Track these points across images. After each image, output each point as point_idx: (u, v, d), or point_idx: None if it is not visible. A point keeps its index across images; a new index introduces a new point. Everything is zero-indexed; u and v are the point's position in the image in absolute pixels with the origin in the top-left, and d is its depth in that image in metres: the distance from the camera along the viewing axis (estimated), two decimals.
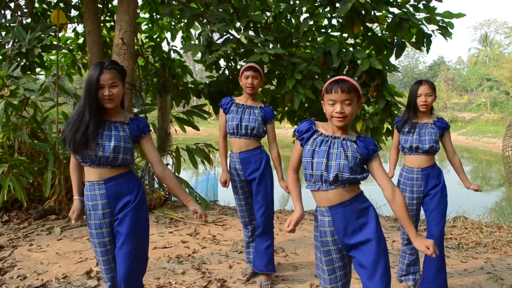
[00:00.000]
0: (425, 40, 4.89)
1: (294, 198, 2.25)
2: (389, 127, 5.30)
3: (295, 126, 5.94)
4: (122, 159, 2.33)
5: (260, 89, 5.90)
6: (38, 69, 6.02)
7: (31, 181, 5.56)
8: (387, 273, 2.07)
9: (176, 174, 6.17)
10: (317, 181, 2.08)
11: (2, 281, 3.60)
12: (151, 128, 5.98)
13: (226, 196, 7.88)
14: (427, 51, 5.08)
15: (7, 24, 5.50)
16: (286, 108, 5.80)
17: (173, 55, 7.12)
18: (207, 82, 5.98)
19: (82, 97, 2.30)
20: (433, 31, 4.79)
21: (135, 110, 6.53)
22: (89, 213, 2.41)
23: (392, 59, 5.40)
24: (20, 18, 5.52)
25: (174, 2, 5.09)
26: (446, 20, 4.68)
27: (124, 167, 2.39)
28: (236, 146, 3.45)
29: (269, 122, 3.44)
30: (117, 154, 2.31)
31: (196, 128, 6.53)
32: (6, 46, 5.32)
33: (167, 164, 6.48)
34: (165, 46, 7.43)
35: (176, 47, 7.16)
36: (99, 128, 2.30)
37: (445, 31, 4.69)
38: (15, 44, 4.97)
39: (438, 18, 4.67)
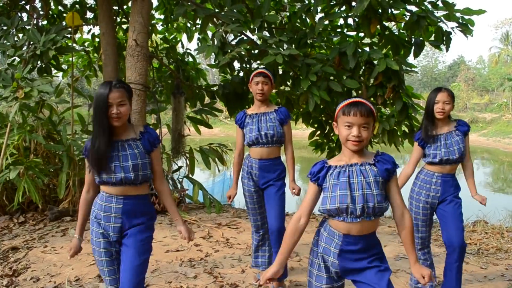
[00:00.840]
0: (444, 38, 4.76)
1: (280, 251, 2.09)
2: (406, 130, 5.18)
3: (311, 128, 5.90)
4: (142, 175, 2.37)
5: (275, 90, 5.86)
6: (54, 71, 6.06)
7: (46, 182, 5.59)
8: None
9: (190, 175, 6.14)
10: (341, 213, 1.96)
11: (16, 283, 3.62)
12: (166, 130, 6.04)
13: (241, 199, 7.83)
14: (447, 50, 4.95)
15: (23, 26, 5.55)
16: (301, 110, 5.72)
17: (187, 57, 7.11)
18: (221, 83, 5.95)
19: (93, 117, 2.33)
20: (452, 28, 4.67)
21: (148, 109, 6.53)
22: (98, 222, 2.37)
23: (411, 59, 5.31)
24: (35, 21, 5.55)
25: (188, 3, 5.06)
26: (466, 17, 4.55)
27: (145, 185, 2.43)
28: (256, 153, 3.40)
29: (285, 123, 3.38)
30: (138, 172, 2.34)
31: (209, 127, 6.51)
32: (23, 49, 5.37)
33: (180, 167, 6.47)
34: (179, 49, 7.40)
35: (191, 50, 7.16)
36: (113, 150, 2.33)
37: (465, 28, 4.55)
38: (30, 46, 4.99)
39: (457, 15, 4.54)
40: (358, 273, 2.02)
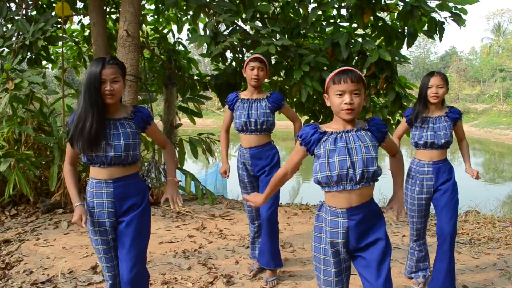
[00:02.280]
0: (437, 28, 4.76)
1: (266, 190, 2.28)
2: (400, 119, 5.18)
3: (305, 117, 5.88)
4: (132, 156, 2.32)
5: (267, 80, 5.83)
6: (44, 62, 5.99)
7: (38, 175, 5.54)
8: (390, 274, 2.00)
9: (179, 166, 6.12)
10: (340, 181, 1.93)
11: (8, 276, 3.58)
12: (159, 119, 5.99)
13: (234, 190, 7.83)
14: (440, 39, 4.96)
15: (12, 17, 5.46)
16: (295, 100, 5.71)
17: (178, 47, 7.05)
18: (214, 74, 5.91)
19: (82, 94, 2.23)
20: (445, 18, 4.66)
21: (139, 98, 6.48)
22: (93, 210, 2.34)
23: (403, 49, 5.31)
24: (24, 11, 5.47)
25: None
26: (459, 6, 4.54)
27: (134, 166, 2.38)
28: (246, 142, 3.37)
29: (282, 106, 3.35)
30: (128, 152, 2.29)
31: (199, 116, 6.47)
32: (12, 39, 5.29)
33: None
34: (171, 39, 7.32)
35: (182, 39, 7.10)
36: (105, 128, 2.27)
37: (458, 18, 4.56)
38: (19, 36, 4.92)
39: (450, 4, 4.54)
40: (362, 251, 2.02)
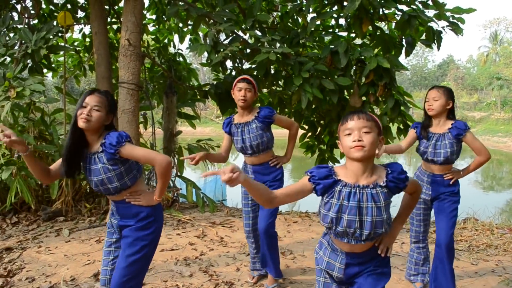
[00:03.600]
0: (435, 37, 4.82)
1: (252, 183, 1.84)
2: (401, 126, 5.22)
3: (304, 125, 5.91)
4: (112, 188, 2.31)
5: (266, 90, 5.88)
6: (45, 71, 6.03)
7: (39, 183, 5.56)
8: None
9: (179, 174, 6.15)
10: (346, 235, 1.90)
11: (11, 283, 3.61)
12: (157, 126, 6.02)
13: (234, 197, 7.85)
14: (438, 48, 5.02)
15: (14, 26, 5.52)
16: (293, 109, 5.75)
17: (178, 58, 7.11)
18: (214, 83, 5.96)
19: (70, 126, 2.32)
20: (443, 27, 4.73)
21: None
22: (109, 221, 2.55)
23: (402, 58, 5.36)
24: (26, 20, 5.53)
25: (180, 2, 5.07)
26: (456, 15, 4.61)
27: (125, 192, 2.36)
28: (248, 160, 3.44)
29: (273, 120, 3.29)
30: (106, 185, 2.31)
31: (195, 118, 6.53)
32: (14, 48, 5.34)
33: (172, 166, 6.47)
34: (172, 50, 7.38)
35: (182, 50, 7.12)
36: (85, 162, 2.33)
37: (456, 27, 4.62)
38: (22, 45, 4.97)
39: (448, 14, 4.60)
40: (359, 277, 2.01)
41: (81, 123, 2.22)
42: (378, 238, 1.96)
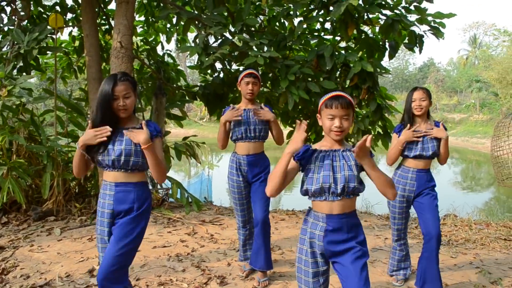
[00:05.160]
0: (417, 41, 5.02)
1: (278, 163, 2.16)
2: (380, 130, 5.42)
3: (289, 128, 6.08)
4: (133, 161, 2.46)
5: None
6: (33, 72, 6.07)
7: (29, 183, 5.61)
8: (367, 277, 2.17)
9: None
10: (323, 192, 2.16)
11: (5, 280, 3.67)
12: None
13: (222, 197, 7.98)
14: (420, 52, 5.21)
15: (3, 27, 5.56)
16: (280, 110, 5.91)
17: (167, 58, 7.21)
18: (202, 84, 6.08)
19: (96, 108, 2.44)
20: (425, 31, 4.93)
21: None
22: (98, 209, 2.58)
23: (384, 61, 5.53)
24: (18, 21, 5.58)
25: (170, 6, 5.19)
26: (437, 20, 4.82)
27: (138, 173, 2.53)
28: (242, 149, 3.59)
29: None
30: (128, 157, 2.44)
31: (183, 119, 6.66)
32: (4, 49, 5.39)
33: None
34: (159, 50, 7.49)
35: (171, 51, 7.29)
36: (113, 135, 2.44)
37: (437, 32, 4.82)
38: (14, 46, 5.03)
39: (429, 18, 4.81)
40: (339, 256, 2.20)
41: (122, 115, 2.43)
42: (352, 195, 2.19)
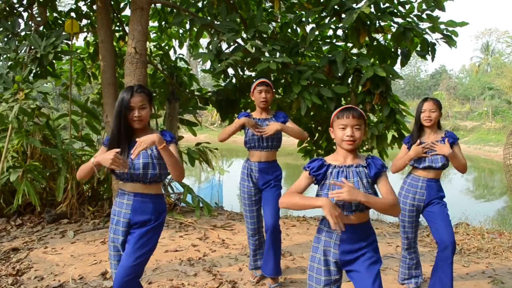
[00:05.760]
0: (429, 49, 5.02)
1: (302, 198, 2.19)
2: (395, 134, 5.40)
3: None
4: (151, 174, 2.51)
5: None
6: (48, 78, 6.16)
7: (43, 185, 5.70)
8: (380, 281, 2.20)
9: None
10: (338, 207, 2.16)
11: (20, 281, 3.73)
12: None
13: (235, 203, 7.99)
14: (432, 60, 5.20)
15: (19, 32, 5.66)
16: (292, 117, 5.93)
17: (179, 63, 7.29)
18: (215, 90, 6.13)
19: (113, 118, 2.51)
20: (437, 40, 4.92)
21: None
22: (113, 217, 2.60)
23: (396, 68, 5.53)
24: (35, 27, 5.68)
25: (185, 12, 5.25)
26: (450, 28, 4.81)
27: (155, 185, 2.58)
28: (255, 157, 3.62)
29: (287, 121, 3.63)
30: (146, 170, 2.50)
31: (199, 124, 6.72)
32: (20, 53, 5.48)
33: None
34: (172, 55, 7.57)
35: (183, 55, 7.39)
36: (130, 148, 2.49)
37: (450, 40, 4.81)
38: (31, 50, 5.13)
39: (441, 27, 4.80)
40: (353, 263, 2.23)
41: (137, 126, 2.49)
42: (366, 209, 2.21)
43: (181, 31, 7.35)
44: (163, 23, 7.00)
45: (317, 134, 6.09)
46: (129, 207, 2.54)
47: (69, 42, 6.05)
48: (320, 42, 6.01)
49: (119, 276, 2.47)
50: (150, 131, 2.62)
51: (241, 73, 5.84)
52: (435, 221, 3.36)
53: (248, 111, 3.72)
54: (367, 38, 5.05)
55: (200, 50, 7.31)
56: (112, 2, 6.30)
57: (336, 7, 4.95)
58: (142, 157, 2.49)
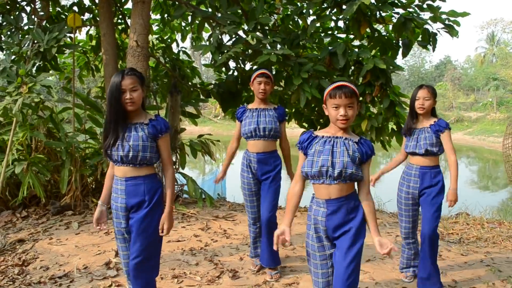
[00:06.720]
0: (430, 39, 5.03)
1: (286, 210, 2.39)
2: (394, 127, 5.43)
3: (304, 123, 6.14)
4: (141, 157, 2.55)
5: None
6: (51, 71, 6.23)
7: (48, 178, 5.78)
8: (357, 259, 2.26)
9: (181, 170, 6.37)
10: (321, 176, 2.25)
11: (26, 271, 3.82)
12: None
13: (236, 193, 8.05)
14: (433, 50, 5.21)
15: (23, 27, 5.72)
16: (293, 109, 5.97)
17: (182, 56, 7.33)
18: (217, 82, 6.17)
19: (107, 105, 2.55)
20: (438, 30, 4.93)
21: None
22: (112, 203, 2.69)
23: (399, 59, 5.54)
24: (37, 21, 5.74)
25: (185, 5, 5.29)
26: (452, 18, 4.81)
27: (146, 167, 2.62)
28: (254, 147, 3.65)
29: (282, 121, 3.69)
30: (136, 153, 2.54)
31: (197, 116, 6.76)
32: (23, 47, 5.54)
33: (175, 162, 6.69)
34: (174, 48, 7.63)
35: (186, 48, 7.45)
36: (122, 131, 2.55)
37: (451, 30, 4.82)
38: (34, 44, 5.20)
39: (443, 17, 4.80)
40: (338, 239, 2.30)
41: (129, 108, 2.51)
42: (349, 180, 2.26)
43: (183, 24, 7.39)
44: (166, 16, 7.04)
45: (318, 127, 6.13)
46: (123, 192, 2.60)
47: (72, 36, 6.09)
48: (322, 34, 6.03)
49: (130, 259, 2.60)
50: (144, 114, 2.65)
51: (242, 65, 5.88)
52: (423, 211, 3.43)
53: (245, 104, 3.76)
54: (368, 29, 5.07)
55: (202, 43, 7.35)
56: None
57: None
58: (132, 139, 2.53)
